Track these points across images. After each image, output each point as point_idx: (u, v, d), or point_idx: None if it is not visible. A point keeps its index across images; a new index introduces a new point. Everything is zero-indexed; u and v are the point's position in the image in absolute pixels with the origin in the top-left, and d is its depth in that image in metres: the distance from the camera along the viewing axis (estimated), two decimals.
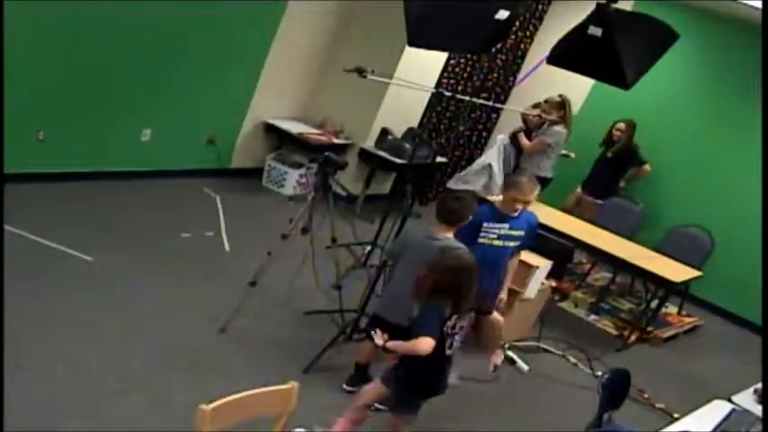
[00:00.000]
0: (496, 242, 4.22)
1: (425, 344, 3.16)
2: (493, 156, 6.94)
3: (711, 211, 7.24)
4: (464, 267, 3.27)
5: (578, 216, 7.00)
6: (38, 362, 3.56)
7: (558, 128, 6.84)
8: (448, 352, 3.31)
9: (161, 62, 5.96)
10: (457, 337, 3.32)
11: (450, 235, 3.82)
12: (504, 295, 4.52)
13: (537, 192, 4.32)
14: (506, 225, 4.22)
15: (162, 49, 5.90)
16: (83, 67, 5.48)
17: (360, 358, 4.17)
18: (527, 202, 4.29)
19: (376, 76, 4.39)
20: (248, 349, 4.23)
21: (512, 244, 4.30)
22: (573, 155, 7.31)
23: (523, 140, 7.00)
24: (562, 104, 6.81)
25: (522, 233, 4.32)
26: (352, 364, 4.23)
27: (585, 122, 7.48)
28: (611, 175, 7.33)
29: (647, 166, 7.30)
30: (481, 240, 4.16)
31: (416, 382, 3.36)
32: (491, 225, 4.19)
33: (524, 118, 7.11)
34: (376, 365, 4.11)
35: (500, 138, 7.13)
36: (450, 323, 3.26)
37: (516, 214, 4.25)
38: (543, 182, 7.10)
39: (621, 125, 7.19)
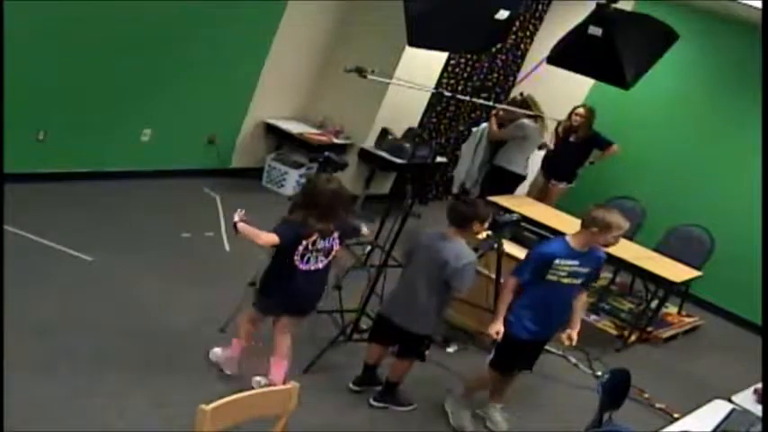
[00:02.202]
0: (565, 280, 3.86)
1: (268, 237, 3.60)
2: (470, 146, 7.05)
3: (711, 211, 7.23)
4: (332, 191, 3.66)
5: (546, 203, 7.13)
6: (38, 362, 3.56)
7: (527, 121, 6.83)
8: (303, 266, 3.68)
9: (161, 62, 5.97)
10: (320, 257, 3.72)
11: (461, 238, 3.83)
12: (575, 334, 4.07)
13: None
14: (576, 262, 3.84)
15: (162, 48, 5.90)
16: (83, 67, 5.48)
17: (368, 359, 4.18)
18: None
19: (376, 76, 4.38)
20: (248, 349, 4.22)
21: (578, 281, 3.93)
22: (551, 145, 7.41)
23: (493, 126, 7.04)
24: (524, 103, 6.81)
25: (589, 270, 3.93)
26: (352, 364, 4.24)
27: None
28: (577, 158, 7.41)
29: (615, 147, 7.32)
30: (550, 277, 3.83)
31: (269, 287, 3.80)
32: (562, 262, 3.83)
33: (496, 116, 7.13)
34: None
35: (483, 126, 7.19)
36: (311, 239, 3.65)
37: (586, 250, 3.86)
38: (517, 178, 7.14)
39: (581, 110, 7.23)
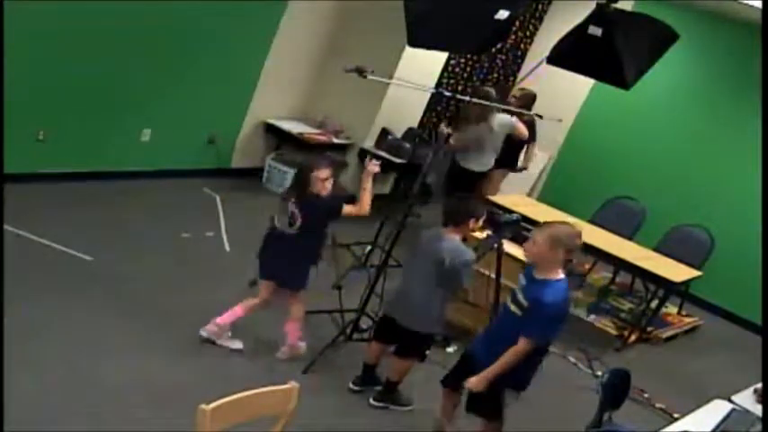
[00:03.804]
0: (509, 300, 3.43)
1: None
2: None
3: (711, 211, 7.23)
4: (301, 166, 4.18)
5: (489, 190, 6.90)
6: (38, 362, 3.56)
7: (484, 124, 6.54)
8: (278, 225, 4.07)
9: (161, 62, 5.97)
10: (289, 219, 4.02)
11: (456, 236, 3.84)
12: (471, 382, 3.38)
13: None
14: (524, 283, 3.35)
15: (162, 48, 5.90)
16: (83, 67, 5.48)
17: (368, 358, 4.18)
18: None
19: (376, 76, 4.38)
20: (248, 349, 4.23)
21: (517, 312, 3.32)
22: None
23: (451, 144, 6.70)
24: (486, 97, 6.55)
25: (527, 305, 3.28)
26: (352, 364, 4.24)
27: (586, 122, 7.49)
28: (520, 146, 7.08)
29: (532, 147, 7.09)
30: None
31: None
32: (521, 277, 3.44)
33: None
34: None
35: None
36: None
37: (542, 278, 3.28)
38: (478, 175, 6.96)
39: (516, 92, 7.00)
